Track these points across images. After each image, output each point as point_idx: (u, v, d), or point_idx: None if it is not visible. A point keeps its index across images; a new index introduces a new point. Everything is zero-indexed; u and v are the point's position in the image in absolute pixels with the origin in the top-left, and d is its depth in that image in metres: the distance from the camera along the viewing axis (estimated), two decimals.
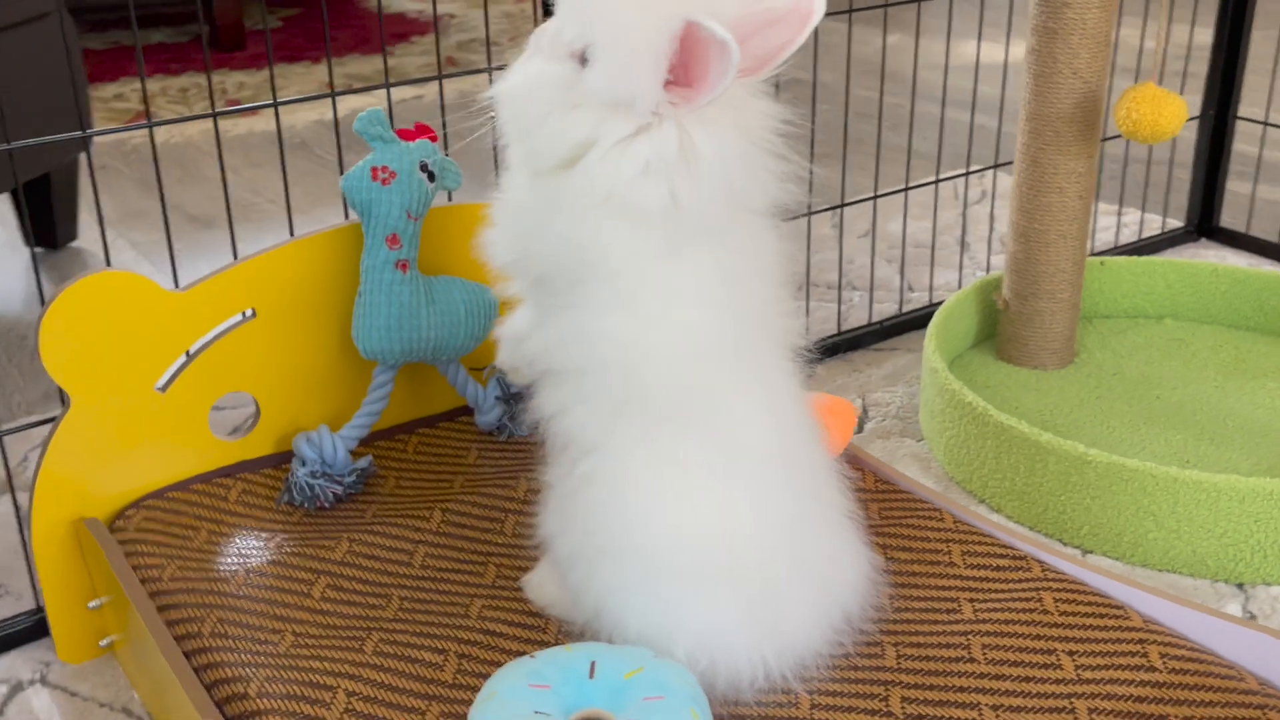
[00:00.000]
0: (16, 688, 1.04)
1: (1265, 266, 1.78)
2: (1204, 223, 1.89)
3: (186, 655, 0.89)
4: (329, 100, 2.55)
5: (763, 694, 0.85)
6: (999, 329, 1.50)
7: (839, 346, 1.57)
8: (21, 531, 1.10)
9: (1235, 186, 2.00)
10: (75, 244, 1.94)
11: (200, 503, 1.06)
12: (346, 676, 0.86)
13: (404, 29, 3.29)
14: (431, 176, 1.10)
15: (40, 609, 1.09)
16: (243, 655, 0.88)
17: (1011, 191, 1.44)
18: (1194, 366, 1.48)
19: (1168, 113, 1.28)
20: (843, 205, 1.54)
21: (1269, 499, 1.12)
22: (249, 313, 1.08)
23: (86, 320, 0.99)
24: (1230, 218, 1.91)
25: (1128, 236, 1.88)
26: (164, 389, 1.05)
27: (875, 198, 1.56)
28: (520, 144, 0.82)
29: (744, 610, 0.84)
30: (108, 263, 1.08)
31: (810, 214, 1.54)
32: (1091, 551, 1.20)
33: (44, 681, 1.05)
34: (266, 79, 2.81)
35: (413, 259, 1.10)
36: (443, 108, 1.18)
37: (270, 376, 1.10)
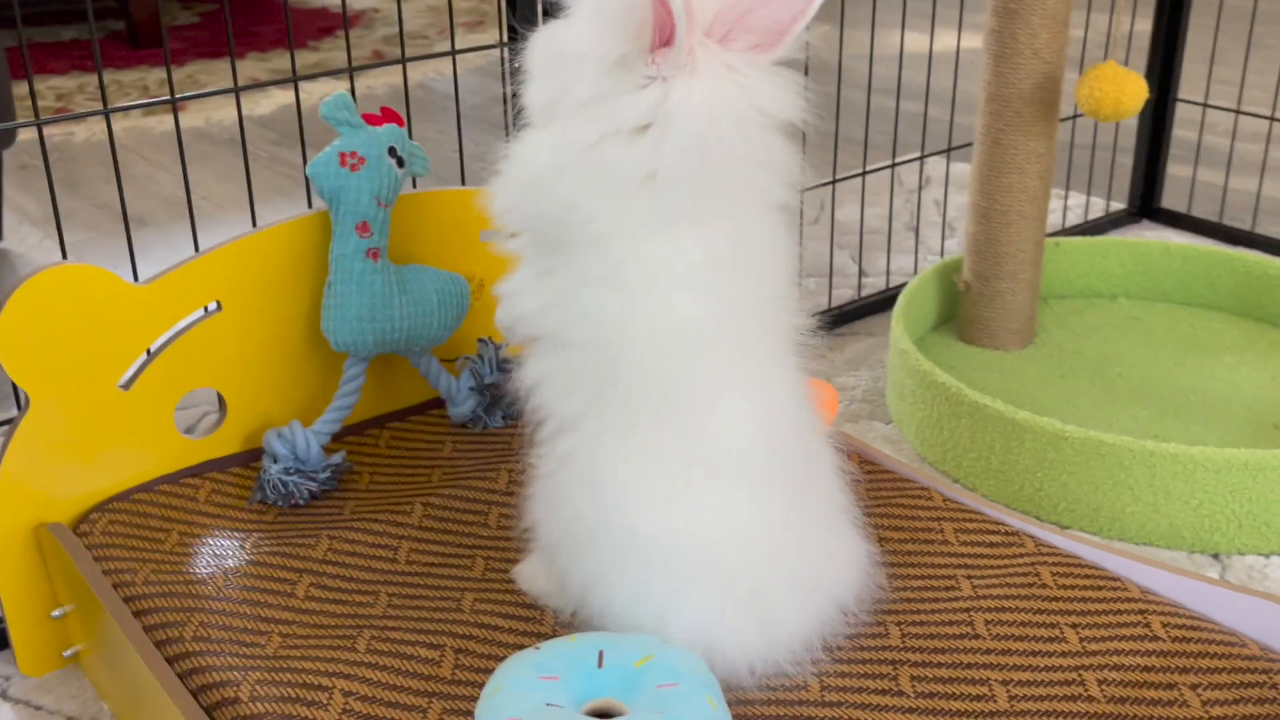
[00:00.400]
0: None
1: (1208, 245, 1.82)
2: (1145, 204, 1.93)
3: (168, 661, 0.85)
4: (256, 95, 2.49)
5: (771, 680, 0.84)
6: (960, 311, 1.51)
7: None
8: None
9: (1175, 170, 2.04)
10: (2, 245, 1.86)
11: (169, 504, 1.01)
12: (341, 676, 0.83)
13: (328, 23, 3.23)
14: (400, 162, 1.07)
15: (0, 621, 1.04)
16: (230, 659, 0.84)
17: (971, 173, 1.45)
18: (1151, 344, 1.51)
19: (1129, 90, 1.30)
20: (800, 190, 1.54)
21: (1244, 469, 1.14)
22: (213, 306, 1.04)
23: (46, 315, 0.95)
24: (1170, 200, 1.95)
25: (1074, 219, 1.91)
26: (127, 387, 1.01)
27: (834, 182, 1.55)
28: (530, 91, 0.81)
29: (730, 604, 0.82)
30: (65, 256, 1.03)
31: None
32: (1069, 527, 1.21)
33: (4, 696, 1.00)
34: (188, 75, 2.74)
35: (383, 247, 1.06)
36: (407, 97, 1.15)
37: (237, 372, 1.06)
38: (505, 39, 1.21)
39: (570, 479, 0.82)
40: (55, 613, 1.00)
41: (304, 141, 1.13)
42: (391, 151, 1.06)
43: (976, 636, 0.88)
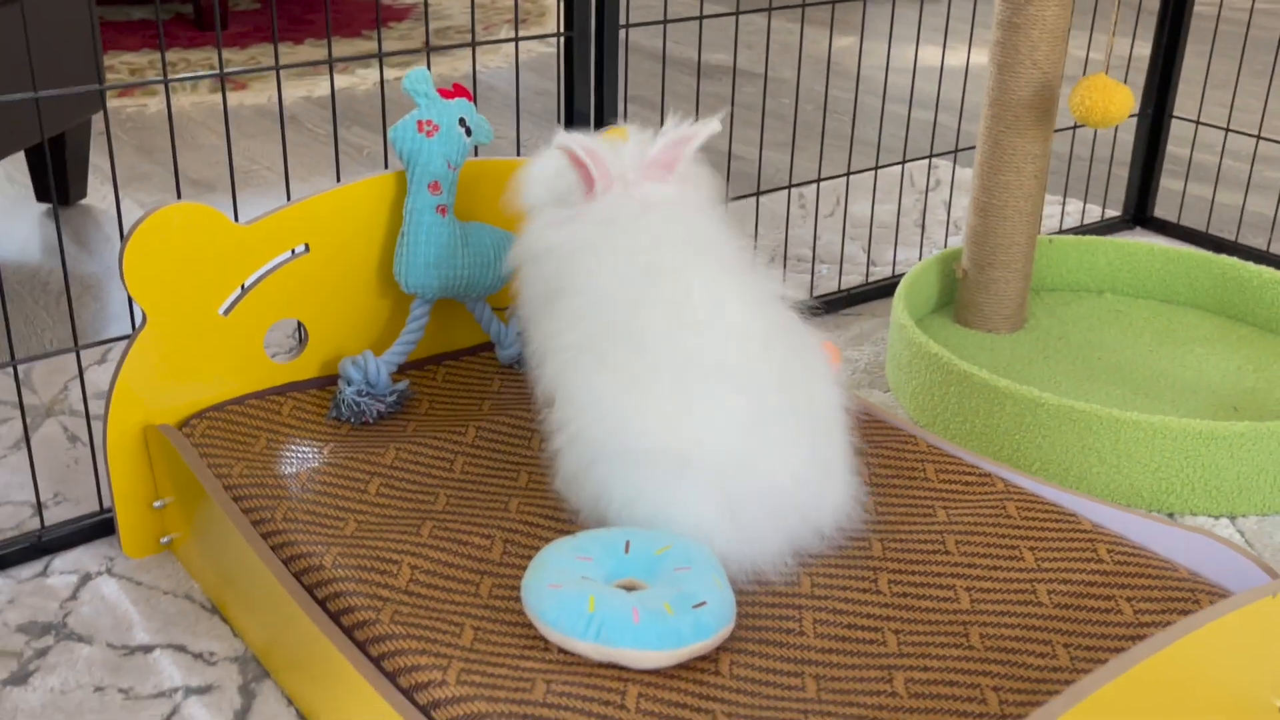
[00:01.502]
0: (86, 577, 1.15)
1: (1189, 249, 1.96)
2: (1139, 213, 2.07)
3: (263, 538, 1.01)
4: (316, 77, 2.65)
5: (768, 577, 0.99)
6: (957, 296, 1.65)
7: (811, 311, 1.71)
8: (91, 446, 1.20)
9: (1168, 183, 2.18)
10: (85, 201, 2.03)
11: (257, 415, 1.17)
12: (408, 554, 0.98)
13: (383, 14, 3.39)
14: (469, 132, 1.23)
15: (101, 511, 1.20)
16: (314, 537, 1.00)
17: (974, 170, 1.60)
18: (1131, 334, 1.65)
19: (1117, 99, 1.44)
20: (819, 180, 1.69)
21: (1197, 438, 1.28)
22: (302, 248, 1.20)
23: (164, 245, 1.10)
24: (1163, 210, 2.10)
25: (1070, 223, 2.05)
26: (226, 313, 1.16)
27: (849, 174, 1.70)
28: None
29: (710, 506, 0.97)
30: (120, 218, 1.19)
31: (790, 187, 1.69)
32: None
33: (110, 572, 1.15)
34: (250, 56, 2.90)
35: (450, 204, 1.22)
36: (475, 78, 1.31)
37: (319, 306, 1.22)
38: (563, 29, 1.37)
39: (564, 394, 1.01)
40: (157, 504, 1.16)
41: (336, 121, 1.29)
42: (461, 122, 1.22)
43: (947, 553, 1.03)
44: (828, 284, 1.80)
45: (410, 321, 1.24)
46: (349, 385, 1.19)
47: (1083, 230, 2.01)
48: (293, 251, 1.21)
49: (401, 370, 1.28)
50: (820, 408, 1.04)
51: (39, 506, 1.17)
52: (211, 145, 2.33)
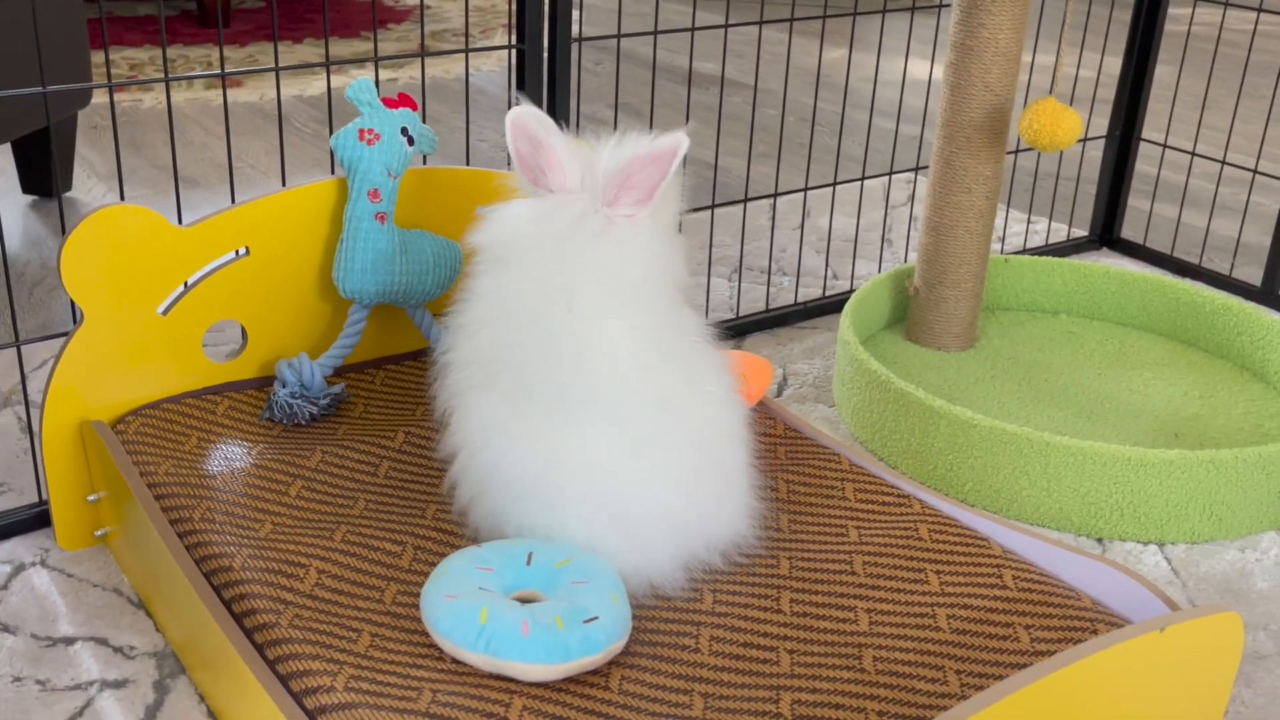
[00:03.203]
0: (19, 568, 1.15)
1: (1158, 275, 1.94)
2: (1106, 233, 2.05)
3: (179, 535, 1.01)
4: (309, 77, 2.66)
5: (669, 592, 0.98)
6: (909, 313, 1.64)
7: (767, 323, 1.71)
8: (31, 437, 1.20)
9: (1136, 203, 2.16)
10: (69, 194, 2.03)
11: (191, 414, 1.17)
12: (317, 558, 0.98)
13: (381, 16, 3.39)
14: (411, 141, 1.22)
15: (40, 503, 1.20)
16: (228, 538, 1.00)
17: (927, 190, 1.58)
18: (1081, 356, 1.63)
19: (1065, 125, 1.43)
20: (775, 195, 1.68)
21: (1126, 464, 1.27)
22: (243, 251, 1.20)
23: (102, 245, 1.10)
24: (1130, 230, 2.08)
25: (1036, 242, 2.04)
26: (165, 312, 1.16)
27: (806, 190, 1.69)
28: None
29: (598, 525, 0.97)
30: (122, 198, 1.19)
31: (746, 201, 1.68)
32: (973, 505, 1.35)
33: (44, 564, 1.16)
34: (249, 54, 2.91)
35: (390, 212, 1.22)
36: (424, 87, 1.30)
37: (259, 308, 1.22)
38: (514, 41, 1.36)
39: (463, 435, 1.01)
40: (91, 497, 1.16)
41: (332, 119, 1.28)
42: (403, 131, 1.21)
43: (853, 573, 1.02)
44: (787, 295, 1.79)
45: (348, 326, 1.24)
46: (283, 387, 1.19)
47: (1049, 250, 1.99)
48: (237, 252, 1.21)
49: (342, 373, 1.28)
50: (714, 429, 1.02)
51: None
52: (200, 141, 2.33)
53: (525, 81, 1.37)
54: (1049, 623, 0.97)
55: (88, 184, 2.09)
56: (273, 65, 1.19)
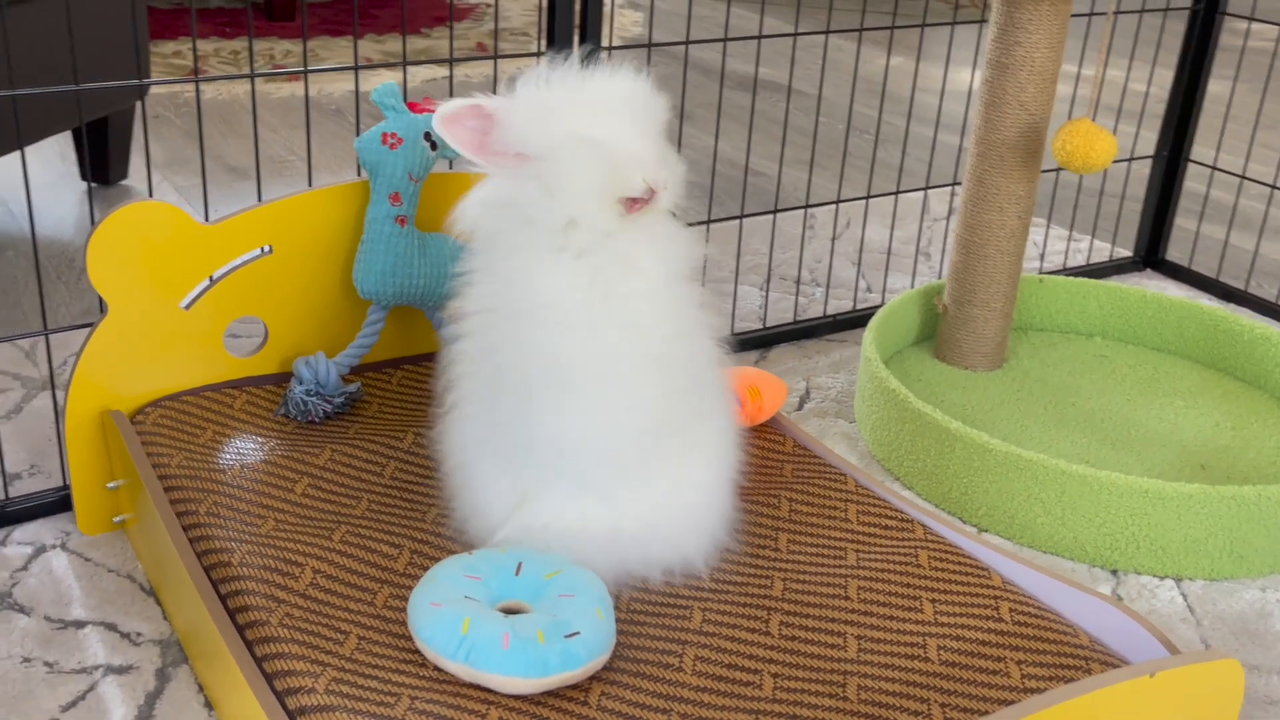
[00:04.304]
0: (40, 550, 1.17)
1: (1202, 299, 1.89)
2: (1150, 254, 1.99)
3: (184, 529, 1.02)
4: (365, 73, 2.67)
5: (661, 605, 0.97)
6: (938, 330, 1.61)
7: (794, 334, 1.68)
8: (57, 421, 1.22)
9: (1183, 222, 2.10)
10: (126, 182, 2.07)
11: (209, 407, 1.18)
12: (314, 557, 0.99)
13: (441, 12, 3.41)
14: (434, 145, 1.22)
15: (65, 487, 1.22)
16: (230, 532, 1.01)
17: (959, 207, 1.55)
18: (1112, 381, 1.59)
19: (1099, 147, 1.39)
20: (806, 206, 1.65)
21: (1144, 496, 1.23)
22: (266, 249, 1.21)
23: (127, 241, 1.12)
24: (1175, 252, 2.02)
25: (1077, 261, 1.98)
26: (188, 307, 1.18)
27: (837, 202, 1.67)
28: None
29: (578, 509, 0.97)
30: (150, 196, 1.20)
31: (775, 211, 1.65)
32: (987, 531, 1.32)
33: (64, 547, 1.18)
34: (311, 48, 2.94)
35: (411, 215, 1.22)
36: (451, 90, 1.30)
37: (279, 306, 1.23)
38: (544, 49, 1.36)
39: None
40: (111, 485, 1.18)
41: (359, 120, 1.28)
42: (426, 136, 1.21)
43: (846, 598, 1.00)
44: (817, 307, 1.77)
45: (365, 326, 1.24)
46: (299, 384, 1.20)
47: (1090, 270, 1.94)
48: (262, 250, 1.21)
49: (360, 372, 1.28)
50: (705, 434, 1.02)
51: (3, 478, 1.20)
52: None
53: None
54: (1042, 659, 0.94)
55: (143, 172, 2.13)
56: (302, 66, 1.20)
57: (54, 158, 2.18)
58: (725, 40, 1.48)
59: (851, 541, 1.08)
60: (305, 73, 1.20)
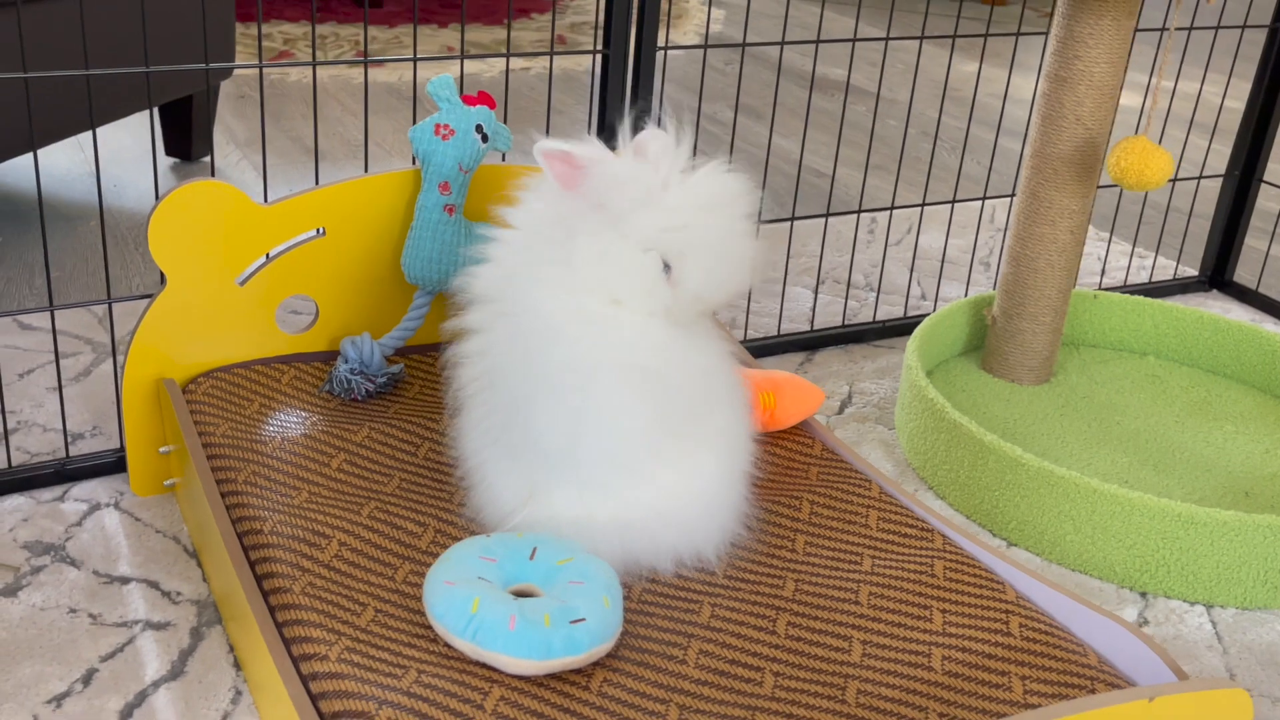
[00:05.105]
0: (95, 507, 1.22)
1: (1267, 323, 1.84)
2: (1217, 275, 1.94)
3: (223, 495, 1.06)
4: (447, 62, 2.71)
5: (672, 598, 0.99)
6: (985, 341, 1.59)
7: (842, 338, 1.68)
8: (117, 387, 1.28)
9: (1254, 242, 2.04)
10: (206, 159, 2.14)
11: (258, 381, 1.22)
12: (342, 530, 1.02)
13: (525, 5, 3.44)
14: (485, 138, 1.24)
15: (122, 449, 1.27)
16: (265, 501, 1.04)
17: (1011, 218, 1.53)
18: (1162, 401, 1.56)
19: (1154, 165, 1.36)
20: (859, 211, 1.65)
21: (1176, 520, 1.21)
22: (320, 231, 1.24)
23: (187, 217, 1.16)
24: (1244, 272, 1.96)
25: (1140, 278, 1.94)
26: (243, 283, 1.22)
27: (891, 209, 1.66)
28: None
29: (585, 504, 0.99)
30: (212, 174, 1.25)
31: (827, 215, 1.65)
32: (1016, 545, 1.30)
33: (117, 506, 1.23)
34: (394, 36, 2.99)
35: (459, 205, 1.24)
36: (507, 85, 1.32)
37: (330, 286, 1.26)
38: (601, 47, 1.37)
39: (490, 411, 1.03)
40: (163, 449, 1.22)
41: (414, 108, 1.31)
42: (478, 128, 1.24)
43: (856, 603, 1.00)
44: (869, 312, 1.76)
45: (411, 310, 1.27)
46: (344, 363, 1.23)
47: (1153, 288, 1.90)
48: (316, 232, 1.25)
49: (405, 354, 1.31)
50: (724, 439, 1.03)
51: (65, 437, 1.26)
52: (335, 117, 2.41)
53: (609, 87, 1.38)
54: (1047, 675, 0.93)
55: (226, 150, 2.19)
56: (361, 59, 1.23)
57: (145, 133, 2.26)
58: (782, 44, 1.48)
59: (869, 547, 1.08)
60: (365, 63, 1.23)
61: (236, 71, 2.59)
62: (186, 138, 2.08)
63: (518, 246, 1.01)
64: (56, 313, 1.57)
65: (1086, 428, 1.48)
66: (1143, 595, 1.24)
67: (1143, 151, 1.36)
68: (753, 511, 1.09)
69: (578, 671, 0.90)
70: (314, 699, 0.85)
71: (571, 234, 0.97)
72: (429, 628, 0.93)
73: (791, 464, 1.19)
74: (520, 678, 0.89)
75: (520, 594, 0.95)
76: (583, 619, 0.90)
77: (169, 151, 2.12)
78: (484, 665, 0.89)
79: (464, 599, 0.90)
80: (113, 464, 1.27)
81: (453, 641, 0.90)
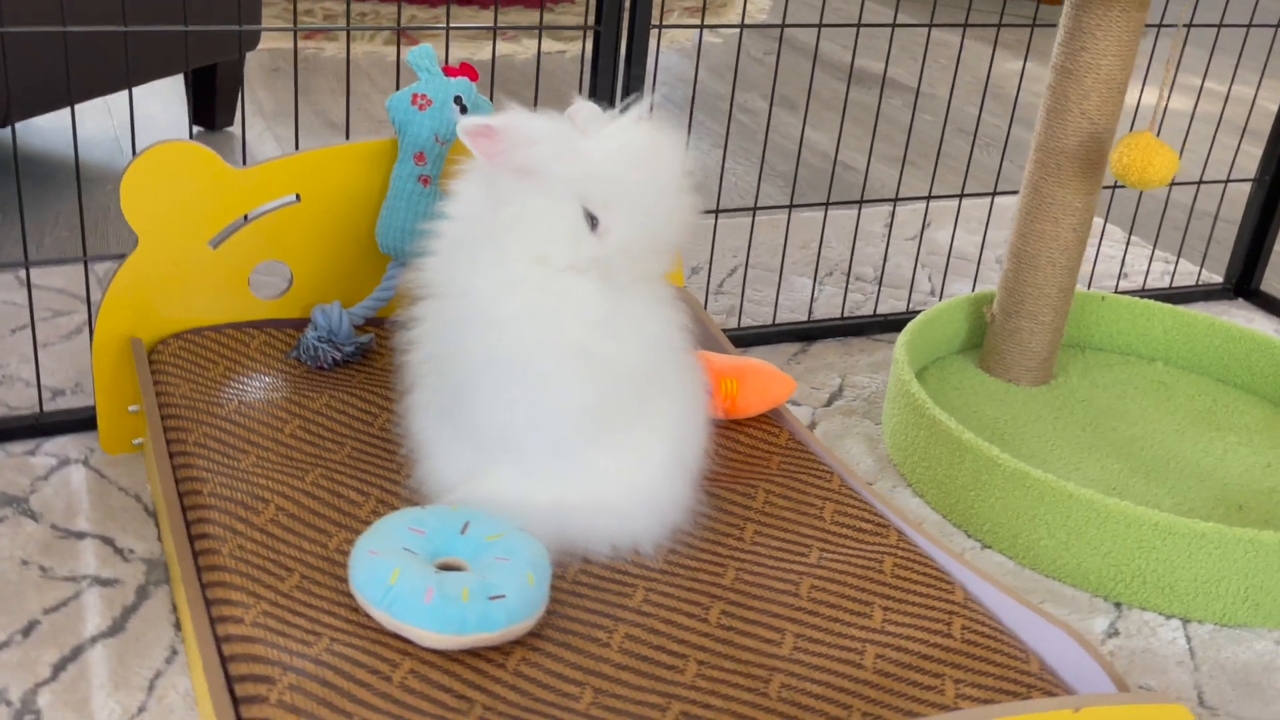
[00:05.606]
0: (64, 462, 1.23)
1: (1272, 334, 1.76)
2: (1243, 283, 1.87)
3: (171, 455, 1.06)
4: (481, 41, 2.70)
5: (607, 580, 0.96)
6: (985, 340, 1.54)
7: (841, 330, 1.64)
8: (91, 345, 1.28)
9: None
10: (230, 129, 2.15)
11: (226, 344, 1.22)
12: (282, 495, 1.01)
13: None
14: (464, 110, 1.23)
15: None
16: (210, 463, 1.04)
17: (1015, 214, 1.48)
18: (1165, 409, 1.50)
19: (1157, 163, 1.30)
20: (860, 202, 1.61)
21: (1153, 529, 1.16)
22: (295, 197, 1.24)
23: (161, 177, 1.16)
24: (1274, 281, 1.88)
25: (1159, 282, 1.87)
26: (215, 245, 1.21)
27: (895, 200, 1.61)
28: None
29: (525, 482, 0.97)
30: (244, 147, 1.24)
31: (827, 205, 1.61)
32: (990, 547, 1.26)
33: (85, 463, 1.23)
34: (434, 15, 2.99)
35: (435, 176, 1.23)
36: (493, 61, 1.30)
37: (305, 253, 1.26)
38: (593, 23, 1.35)
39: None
40: (132, 408, 1.23)
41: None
42: (457, 100, 1.22)
43: (796, 595, 0.97)
44: (872, 305, 1.71)
45: (384, 280, 1.26)
46: (313, 330, 1.22)
47: (1172, 293, 1.83)
48: (296, 197, 1.24)
49: (377, 325, 1.30)
50: (672, 425, 1.00)
51: (39, 392, 1.26)
52: (363, 93, 2.42)
53: (600, 65, 1.35)
54: (982, 680, 0.90)
55: (252, 121, 2.20)
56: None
57: (173, 100, 2.28)
58: (820, 25, 1.45)
59: (819, 540, 1.04)
60: (349, 31, 1.22)
61: (269, 45, 2.61)
62: (210, 107, 2.09)
63: (453, 235, 0.99)
64: (60, 270, 1.59)
65: (1081, 432, 1.43)
66: (1117, 605, 1.19)
67: (1146, 148, 1.31)
68: (703, 499, 1.06)
69: (496, 649, 0.88)
70: (224, 661, 0.84)
71: (500, 206, 0.95)
72: (352, 596, 0.91)
73: (754, 452, 1.16)
74: (435, 652, 0.87)
75: (447, 568, 0.93)
76: (502, 596, 0.88)
77: (195, 120, 2.13)
78: (399, 637, 0.88)
79: (385, 569, 0.88)
80: (87, 421, 1.27)
81: (370, 612, 0.88)
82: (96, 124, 2.13)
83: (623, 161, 0.93)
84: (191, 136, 2.07)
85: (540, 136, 0.93)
